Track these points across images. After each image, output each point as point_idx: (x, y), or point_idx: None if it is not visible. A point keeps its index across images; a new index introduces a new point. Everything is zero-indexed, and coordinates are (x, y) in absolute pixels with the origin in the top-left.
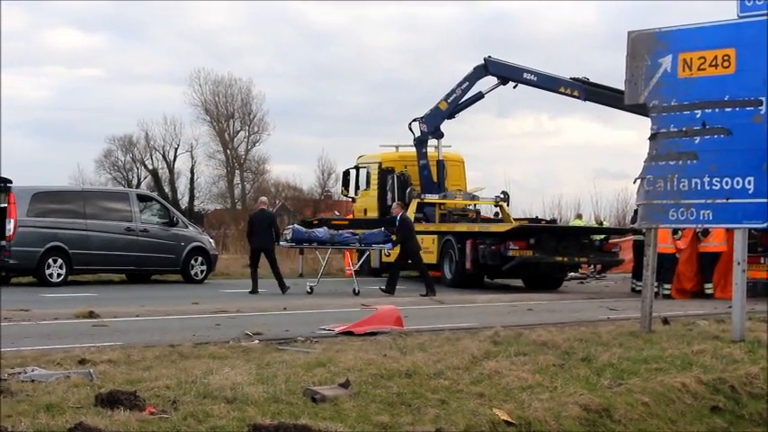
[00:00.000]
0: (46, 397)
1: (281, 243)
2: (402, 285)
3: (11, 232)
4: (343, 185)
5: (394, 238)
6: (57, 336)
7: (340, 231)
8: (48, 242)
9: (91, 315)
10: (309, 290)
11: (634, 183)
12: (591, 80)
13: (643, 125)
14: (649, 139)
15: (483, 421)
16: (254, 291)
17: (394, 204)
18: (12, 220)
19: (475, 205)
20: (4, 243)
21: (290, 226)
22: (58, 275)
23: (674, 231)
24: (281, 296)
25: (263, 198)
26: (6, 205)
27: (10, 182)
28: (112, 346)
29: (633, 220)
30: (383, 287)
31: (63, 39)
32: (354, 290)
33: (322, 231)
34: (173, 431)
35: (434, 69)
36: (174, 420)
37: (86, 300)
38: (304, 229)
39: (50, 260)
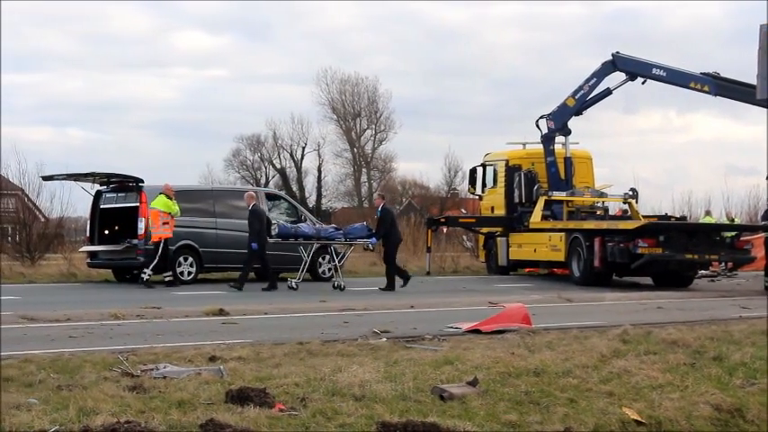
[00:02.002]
0: (178, 393)
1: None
2: (529, 283)
3: (142, 231)
4: (470, 183)
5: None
6: (188, 333)
7: (325, 226)
8: (178, 241)
9: (221, 313)
10: (294, 286)
11: (767, 179)
12: (721, 75)
13: None
14: None
15: (612, 420)
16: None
17: (375, 195)
18: (143, 219)
19: (603, 202)
20: (135, 242)
21: (276, 221)
22: (189, 273)
23: None
24: (406, 293)
25: (250, 192)
26: (138, 204)
27: (142, 181)
28: (242, 344)
29: (765, 217)
30: (382, 287)
31: (189, 41)
32: (335, 284)
33: (307, 226)
34: (302, 428)
35: (558, 66)
36: (303, 418)
37: (216, 297)
38: (290, 225)
39: (181, 258)
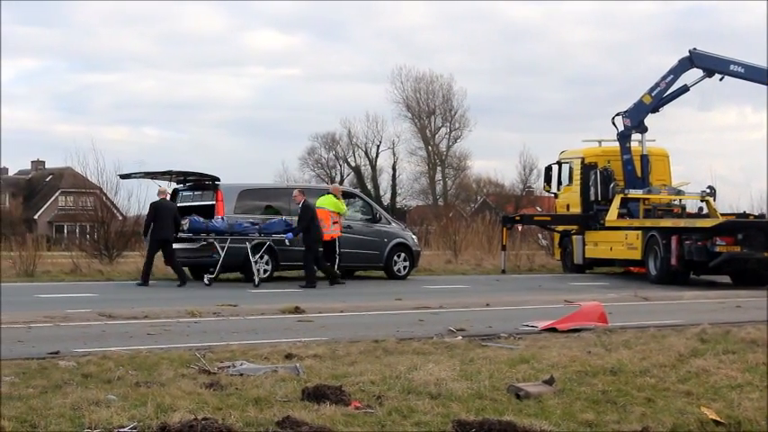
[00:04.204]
0: (254, 390)
1: (178, 234)
2: (605, 281)
3: None
4: (545, 181)
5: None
6: (264, 331)
7: (239, 221)
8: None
9: (296, 310)
10: (207, 282)
11: None
12: None
13: None
14: None
15: (691, 420)
16: (145, 282)
17: (295, 192)
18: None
19: (680, 200)
20: (212, 240)
21: (188, 217)
22: (265, 271)
23: None
24: (481, 292)
25: (163, 188)
26: (214, 202)
27: (218, 179)
28: (318, 341)
29: None
30: (302, 284)
31: (263, 40)
32: (254, 281)
33: (220, 222)
34: (378, 426)
35: (631, 63)
36: (379, 415)
37: (291, 295)
38: (201, 220)
39: (257, 256)
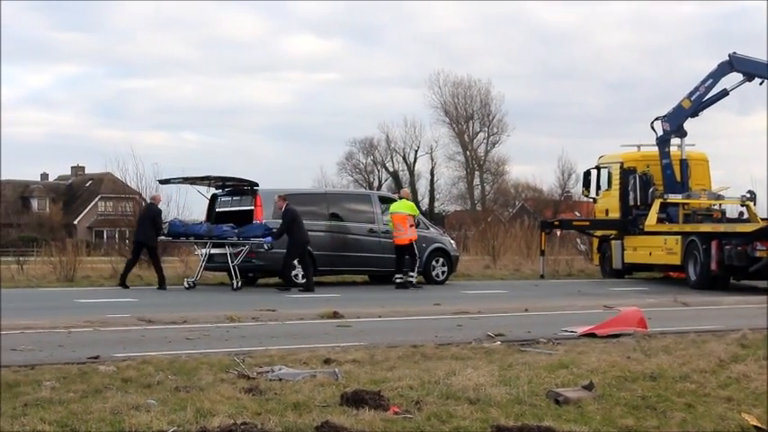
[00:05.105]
0: (293, 395)
1: (159, 238)
2: (644, 287)
3: None
4: (583, 186)
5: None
6: (302, 335)
7: (218, 225)
8: None
9: (335, 315)
10: (188, 285)
11: None
12: None
13: None
14: None
15: (731, 426)
16: (123, 285)
17: (276, 197)
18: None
19: (720, 205)
20: (250, 244)
21: (168, 220)
22: (303, 276)
23: None
24: (520, 297)
25: (156, 194)
26: (253, 208)
27: (256, 185)
28: (356, 346)
29: None
30: (300, 288)
31: (301, 45)
32: (233, 285)
33: (199, 225)
34: (417, 431)
35: (670, 67)
36: (418, 421)
37: (330, 300)
38: (180, 223)
39: (295, 261)
